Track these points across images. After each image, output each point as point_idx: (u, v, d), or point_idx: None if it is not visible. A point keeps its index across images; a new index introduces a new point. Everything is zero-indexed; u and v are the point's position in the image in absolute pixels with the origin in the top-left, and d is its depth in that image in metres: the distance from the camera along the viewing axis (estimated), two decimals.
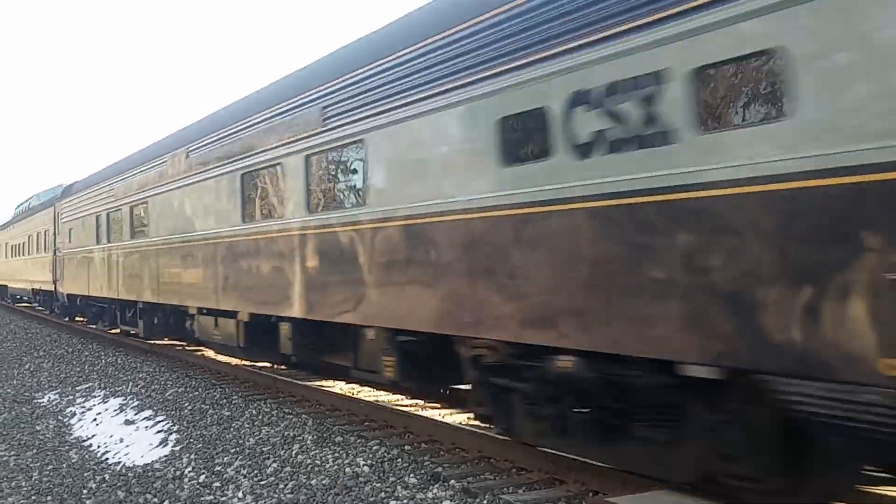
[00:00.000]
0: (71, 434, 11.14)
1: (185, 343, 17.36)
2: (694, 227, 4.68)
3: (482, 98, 6.34)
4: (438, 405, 9.91)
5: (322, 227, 8.85)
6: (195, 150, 12.72)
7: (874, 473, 4.94)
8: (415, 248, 7.23)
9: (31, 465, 9.44)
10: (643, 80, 4.98)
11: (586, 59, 5.38)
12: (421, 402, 10.13)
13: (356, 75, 8.24)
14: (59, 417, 12.19)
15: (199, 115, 17.04)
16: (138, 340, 18.30)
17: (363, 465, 7.47)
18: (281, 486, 7.32)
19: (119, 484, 8.26)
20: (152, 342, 17.72)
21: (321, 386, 11.50)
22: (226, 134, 11.59)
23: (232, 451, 8.68)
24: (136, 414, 11.25)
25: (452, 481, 6.74)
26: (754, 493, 4.87)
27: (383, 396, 10.76)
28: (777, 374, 4.36)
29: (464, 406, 9.55)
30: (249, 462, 8.17)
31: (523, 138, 6.22)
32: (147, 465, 8.86)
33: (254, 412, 10.19)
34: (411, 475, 7.05)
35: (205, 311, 12.69)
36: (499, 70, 6.14)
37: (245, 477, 7.73)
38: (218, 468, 8.15)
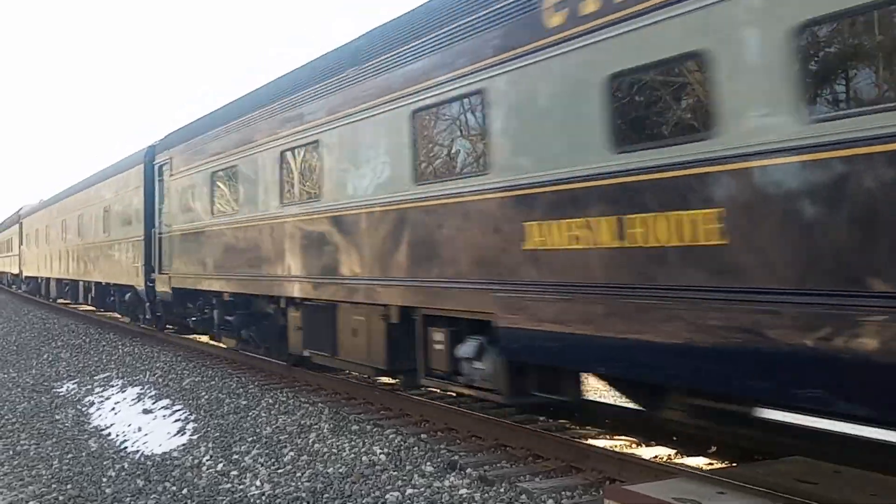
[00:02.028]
0: (90, 423, 11.24)
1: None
2: None
3: None
4: (454, 394, 9.90)
5: None
6: None
7: None
8: None
9: (52, 454, 9.53)
10: None
11: None
12: (436, 391, 10.13)
13: None
14: (78, 407, 12.29)
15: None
16: (154, 329, 18.37)
17: (380, 454, 7.49)
18: (298, 474, 7.35)
19: (138, 472, 8.33)
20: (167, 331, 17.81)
21: (337, 375, 11.52)
22: None
23: (249, 439, 8.72)
24: (153, 403, 11.33)
25: (469, 469, 6.74)
26: None
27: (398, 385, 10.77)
28: None
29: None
30: (266, 450, 8.21)
31: None
32: (165, 453, 8.92)
33: (270, 401, 10.23)
34: (428, 463, 7.06)
35: None
36: None
37: (262, 465, 7.77)
38: (235, 457, 8.19)
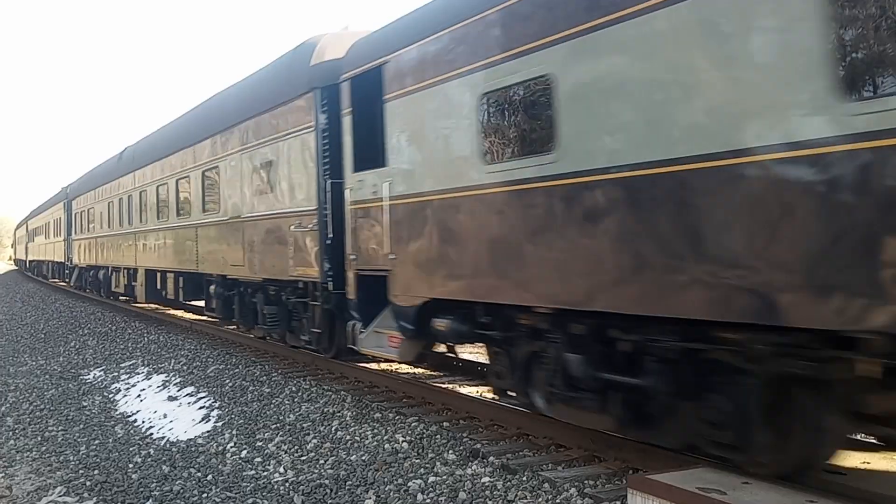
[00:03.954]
0: (116, 410, 11.38)
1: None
2: None
3: None
4: (476, 382, 9.91)
5: None
6: None
7: None
8: None
9: (79, 440, 9.67)
10: None
11: None
12: (459, 379, 10.15)
13: None
14: (105, 393, 12.46)
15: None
16: (179, 318, 18.54)
17: (402, 442, 7.51)
18: (321, 461, 7.40)
19: (164, 458, 8.42)
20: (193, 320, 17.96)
21: (359, 363, 11.57)
22: None
23: (273, 427, 8.79)
24: (178, 390, 11.45)
25: (491, 458, 6.74)
26: None
27: (421, 373, 10.79)
28: None
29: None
30: (290, 438, 8.26)
31: None
32: (190, 440, 9.02)
33: (294, 389, 10.30)
34: (450, 451, 7.07)
35: None
36: None
37: (286, 452, 7.82)
38: (259, 444, 8.26)
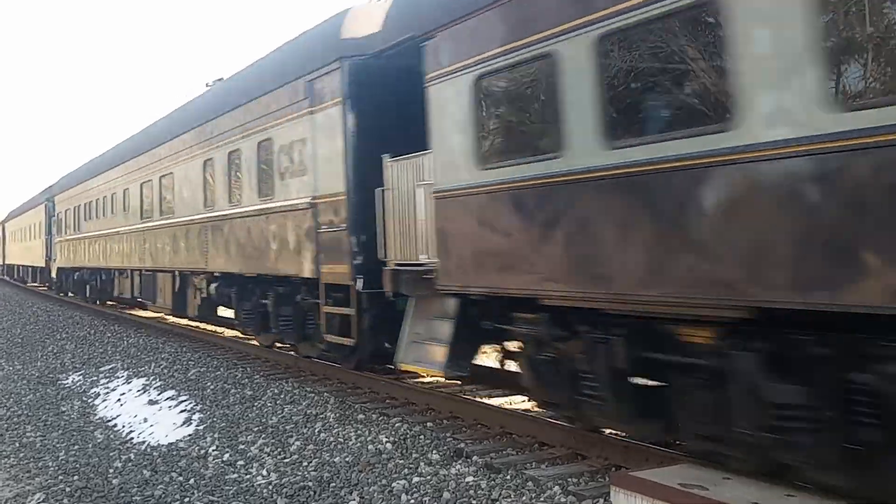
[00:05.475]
0: (95, 414, 11.28)
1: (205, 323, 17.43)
2: None
3: None
4: (459, 382, 9.92)
5: None
6: None
7: None
8: None
9: (58, 446, 9.57)
10: None
11: None
12: (441, 380, 10.15)
13: None
14: (84, 398, 12.34)
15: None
16: (159, 320, 18.40)
17: (386, 442, 7.51)
18: (304, 463, 7.37)
19: (145, 463, 8.36)
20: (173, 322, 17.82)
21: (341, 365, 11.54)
22: None
23: (255, 429, 8.75)
24: (159, 394, 11.36)
25: (475, 457, 6.76)
26: None
27: (403, 374, 10.78)
28: None
29: (485, 383, 9.57)
30: (273, 440, 8.23)
31: None
32: (172, 444, 8.96)
33: (276, 391, 10.26)
34: (434, 451, 7.08)
35: None
36: None
37: (269, 455, 7.79)
38: (242, 447, 8.22)
